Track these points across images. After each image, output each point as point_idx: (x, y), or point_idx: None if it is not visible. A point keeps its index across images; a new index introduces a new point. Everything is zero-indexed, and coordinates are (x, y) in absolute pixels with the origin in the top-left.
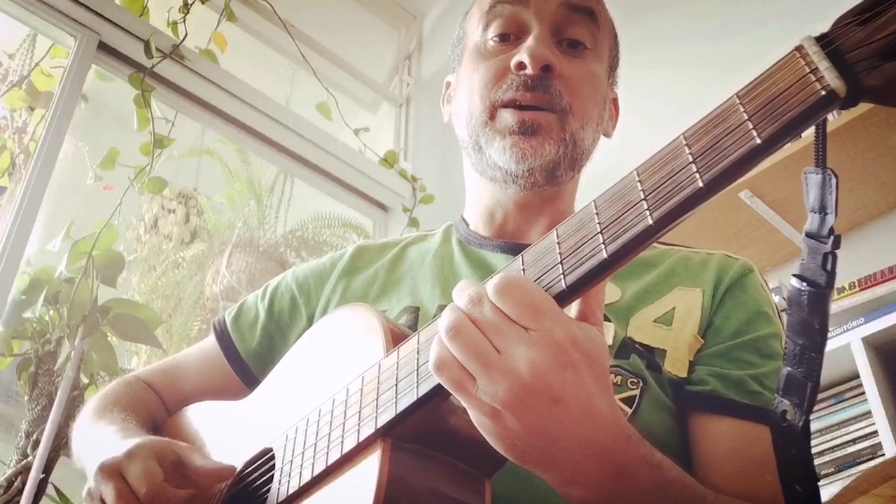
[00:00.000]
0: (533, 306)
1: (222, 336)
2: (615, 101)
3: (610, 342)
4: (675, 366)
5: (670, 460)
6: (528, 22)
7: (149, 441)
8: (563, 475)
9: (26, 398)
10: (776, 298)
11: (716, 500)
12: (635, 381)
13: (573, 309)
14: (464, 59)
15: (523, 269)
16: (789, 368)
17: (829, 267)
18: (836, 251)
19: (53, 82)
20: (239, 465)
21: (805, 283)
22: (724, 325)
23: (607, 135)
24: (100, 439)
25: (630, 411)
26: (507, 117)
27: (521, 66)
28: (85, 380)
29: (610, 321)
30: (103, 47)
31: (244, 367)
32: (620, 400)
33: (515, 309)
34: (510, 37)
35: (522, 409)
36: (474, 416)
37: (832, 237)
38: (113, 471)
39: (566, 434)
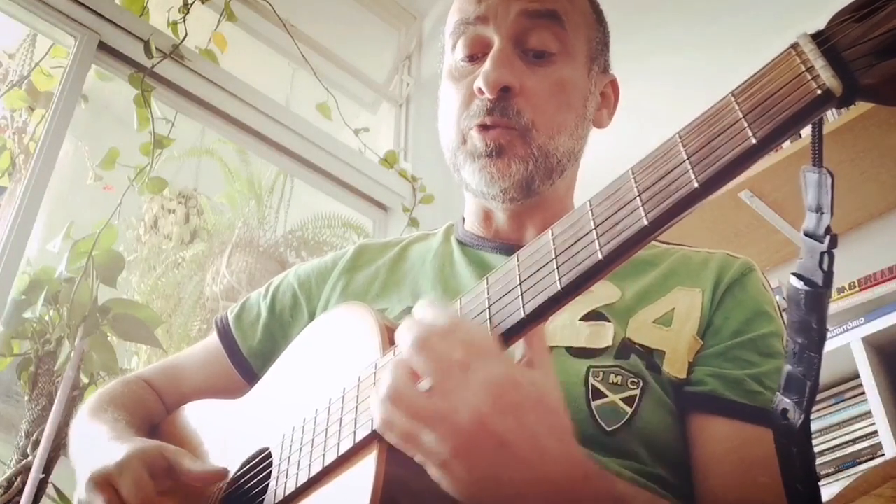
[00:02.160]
0: (472, 345)
1: (225, 334)
2: (614, 83)
3: (609, 342)
4: (675, 367)
5: (637, 490)
6: (490, 38)
7: (139, 449)
8: None
9: (26, 398)
10: (777, 298)
11: None
12: (635, 380)
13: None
14: (443, 74)
15: (518, 268)
16: (790, 367)
17: (825, 266)
18: (833, 250)
19: (53, 82)
20: (236, 465)
21: (803, 283)
22: (723, 325)
23: (600, 125)
24: (90, 441)
25: (630, 411)
26: (475, 138)
27: (481, 90)
28: (85, 380)
29: (609, 321)
30: (103, 47)
31: (246, 365)
32: (621, 399)
33: (454, 351)
34: (477, 55)
35: (469, 457)
36: (428, 469)
37: (828, 236)
38: (103, 482)
39: (516, 477)
